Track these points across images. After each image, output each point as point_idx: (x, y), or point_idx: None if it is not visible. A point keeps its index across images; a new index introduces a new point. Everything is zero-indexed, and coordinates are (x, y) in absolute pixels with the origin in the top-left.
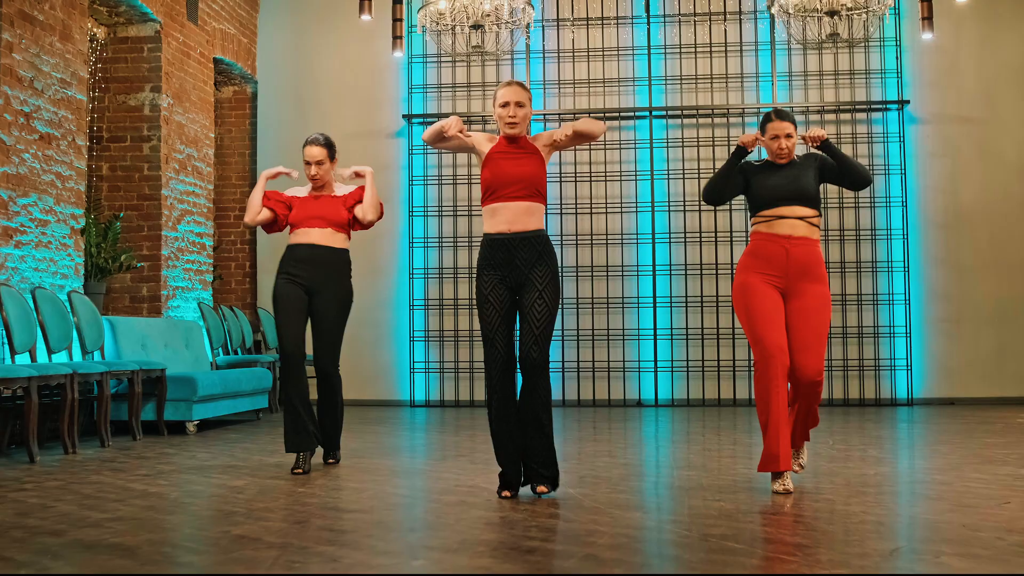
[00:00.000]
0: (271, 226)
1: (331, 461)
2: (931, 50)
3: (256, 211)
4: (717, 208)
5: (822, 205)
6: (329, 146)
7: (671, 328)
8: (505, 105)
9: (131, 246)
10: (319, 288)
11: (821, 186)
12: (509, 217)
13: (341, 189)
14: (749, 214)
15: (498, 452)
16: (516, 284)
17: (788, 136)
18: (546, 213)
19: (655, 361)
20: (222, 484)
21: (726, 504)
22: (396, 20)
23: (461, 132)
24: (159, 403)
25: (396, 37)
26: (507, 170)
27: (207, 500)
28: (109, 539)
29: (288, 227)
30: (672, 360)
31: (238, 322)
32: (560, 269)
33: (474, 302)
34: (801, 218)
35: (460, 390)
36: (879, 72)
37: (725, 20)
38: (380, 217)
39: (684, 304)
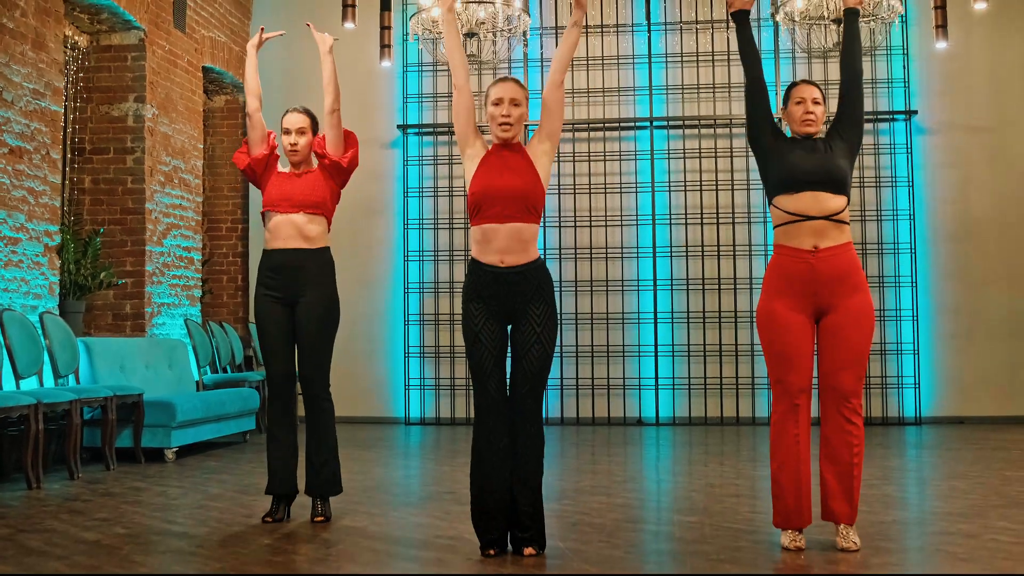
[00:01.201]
0: (249, 151)
1: (319, 519)
2: (939, 59)
3: (255, 91)
4: (720, 221)
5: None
6: (311, 116)
7: (672, 344)
8: (498, 103)
9: (113, 262)
10: (298, 295)
11: None
12: (502, 246)
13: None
14: (766, 199)
15: (482, 509)
16: (508, 315)
17: (815, 102)
18: (544, 227)
19: (656, 378)
20: (183, 532)
21: (731, 565)
22: (384, 28)
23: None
24: (136, 430)
25: (384, 46)
26: (498, 183)
27: (160, 557)
28: None
29: (263, 209)
30: (673, 377)
31: (227, 338)
32: (559, 287)
33: None
34: (828, 217)
35: (456, 407)
36: (886, 81)
37: (728, 28)
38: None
39: (686, 320)
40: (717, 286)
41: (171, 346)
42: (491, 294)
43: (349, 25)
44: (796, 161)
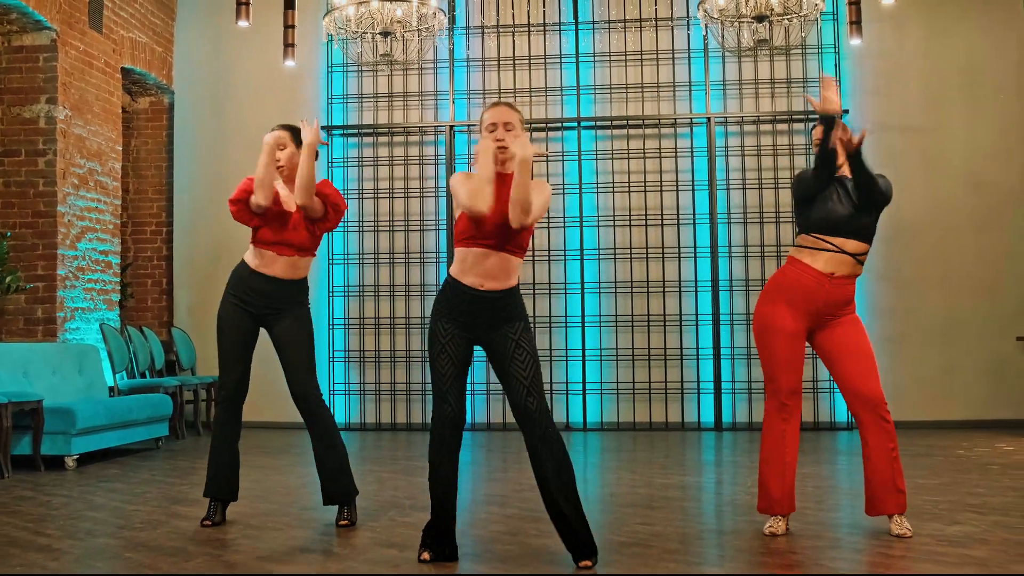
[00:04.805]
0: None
1: (344, 523)
2: (872, 57)
3: (269, 189)
4: (649, 223)
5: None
6: (290, 129)
7: (600, 348)
8: (493, 128)
9: (23, 266)
10: (275, 315)
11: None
12: (486, 272)
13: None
14: (797, 228)
15: (434, 516)
16: (478, 336)
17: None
18: None
19: (583, 383)
20: (46, 545)
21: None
22: (288, 27)
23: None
24: (35, 437)
25: (287, 45)
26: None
27: (11, 569)
28: None
29: (255, 244)
30: (601, 382)
31: (146, 343)
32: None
33: (396, 323)
34: (853, 254)
35: (381, 412)
36: (817, 80)
37: (656, 27)
38: (316, 199)
39: (614, 324)
40: (646, 289)
41: (82, 351)
42: (463, 313)
43: (243, 23)
44: (830, 209)
